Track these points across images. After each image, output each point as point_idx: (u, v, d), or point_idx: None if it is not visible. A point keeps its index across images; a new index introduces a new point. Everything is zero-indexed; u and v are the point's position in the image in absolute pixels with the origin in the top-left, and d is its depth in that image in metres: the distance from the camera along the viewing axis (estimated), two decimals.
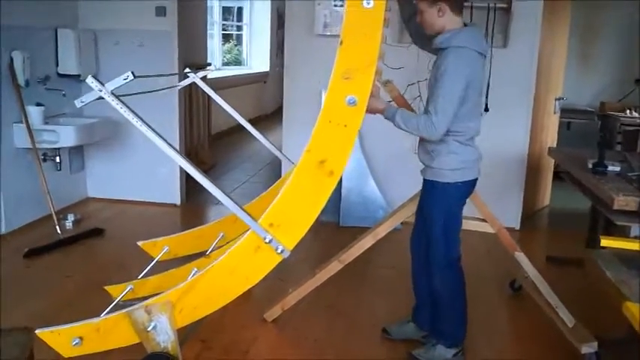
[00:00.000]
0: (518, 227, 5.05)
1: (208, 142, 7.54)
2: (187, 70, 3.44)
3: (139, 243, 3.49)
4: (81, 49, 5.00)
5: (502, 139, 4.90)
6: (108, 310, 2.56)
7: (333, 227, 4.96)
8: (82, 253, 4.27)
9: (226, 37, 11.64)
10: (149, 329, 2.34)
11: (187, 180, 5.63)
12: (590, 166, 3.35)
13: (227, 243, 3.31)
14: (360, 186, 4.99)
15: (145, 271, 3.23)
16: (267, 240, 2.30)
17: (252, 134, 3.60)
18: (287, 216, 2.33)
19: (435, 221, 2.71)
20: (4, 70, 4.36)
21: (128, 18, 5.19)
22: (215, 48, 10.64)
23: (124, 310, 2.38)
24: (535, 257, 4.42)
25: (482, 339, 3.16)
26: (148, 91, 2.95)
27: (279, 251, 2.31)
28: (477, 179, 2.74)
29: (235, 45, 12.11)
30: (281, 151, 3.87)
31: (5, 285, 3.56)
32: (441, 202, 2.68)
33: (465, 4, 4.52)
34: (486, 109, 4.78)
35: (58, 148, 4.78)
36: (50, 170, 4.82)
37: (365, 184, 4.99)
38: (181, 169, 5.45)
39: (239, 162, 7.79)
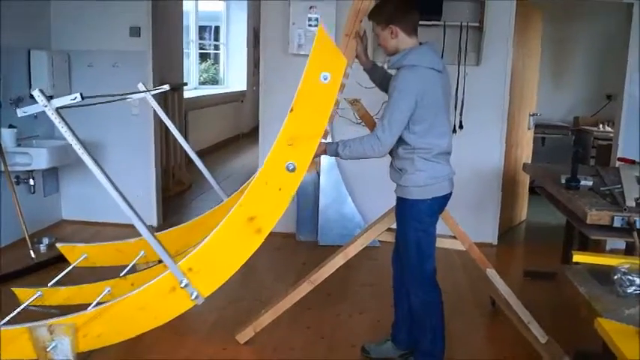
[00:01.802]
0: (495, 242, 5.08)
1: (186, 161, 7.49)
2: (140, 85, 3.41)
3: (58, 245, 3.45)
4: (54, 71, 4.95)
5: (477, 156, 4.94)
6: (12, 314, 2.58)
7: (311, 246, 4.94)
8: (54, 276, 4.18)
9: (204, 56, 11.66)
10: (49, 349, 2.33)
11: (164, 201, 5.58)
12: (563, 181, 3.38)
13: (146, 264, 3.33)
14: (337, 204, 4.99)
15: (58, 277, 3.22)
16: (183, 284, 2.29)
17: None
18: (208, 264, 2.35)
19: (407, 238, 2.72)
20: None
21: (102, 39, 5.16)
22: (192, 67, 10.63)
23: (26, 325, 2.37)
24: (512, 272, 4.48)
25: (460, 354, 3.15)
26: (99, 102, 2.91)
27: (193, 297, 2.32)
28: (449, 195, 2.75)
29: (212, 64, 12.12)
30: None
31: None
32: (411, 219, 2.69)
33: (434, 23, 4.66)
34: (461, 127, 4.82)
35: (32, 171, 4.71)
36: (24, 193, 4.76)
37: (343, 202, 4.99)
38: (157, 190, 5.43)
39: (217, 181, 7.72)
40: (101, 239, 5.08)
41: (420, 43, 2.69)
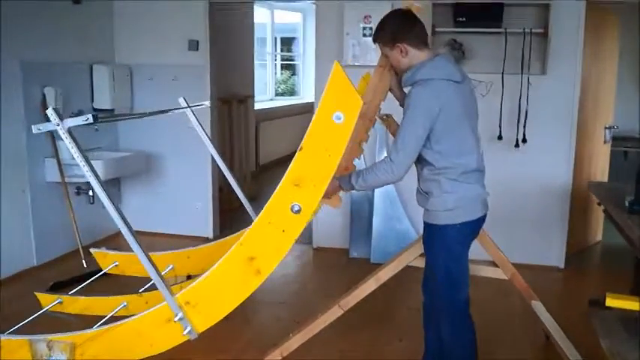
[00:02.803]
0: (562, 266, 4.69)
1: (252, 173, 7.52)
2: (181, 100, 3.38)
3: (92, 250, 3.47)
4: (115, 84, 5.09)
5: (543, 171, 4.60)
6: (30, 319, 2.67)
7: (363, 263, 4.76)
8: (102, 285, 4.25)
9: (287, 68, 11.79)
10: None
11: (221, 213, 5.59)
12: (627, 203, 3.04)
13: (174, 278, 3.31)
14: (391, 220, 4.79)
15: (85, 284, 3.29)
16: (177, 318, 2.20)
17: None
18: (205, 299, 2.25)
19: (437, 266, 2.51)
20: (36, 107, 4.46)
21: (162, 52, 5.26)
22: (268, 79, 10.73)
23: (27, 337, 2.39)
24: (577, 300, 4.10)
25: None
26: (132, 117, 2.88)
27: (186, 332, 2.23)
28: (482, 218, 2.52)
29: (291, 75, 12.20)
30: None
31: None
32: (440, 246, 2.48)
33: (499, 30, 4.38)
34: (524, 140, 4.51)
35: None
36: (83, 203, 4.89)
37: (397, 218, 4.79)
38: (214, 201, 5.45)
39: None
40: (154, 250, 5.18)
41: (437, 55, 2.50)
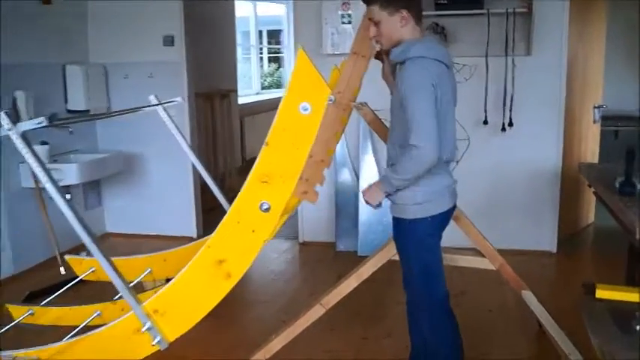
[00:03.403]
0: (554, 250, 4.59)
1: (239, 168, 7.38)
2: (152, 97, 3.24)
3: (66, 257, 3.35)
4: (89, 84, 4.94)
5: (531, 155, 4.49)
6: (2, 330, 2.54)
7: (351, 257, 4.63)
8: (80, 292, 4.12)
9: (275, 60, 11.63)
10: None
11: (204, 212, 5.46)
12: (617, 185, 2.92)
13: (153, 282, 3.25)
14: (378, 213, 4.62)
15: (57, 293, 3.19)
16: (145, 327, 2.07)
17: None
18: (174, 306, 2.11)
19: (409, 261, 2.39)
20: (7, 111, 4.30)
21: (137, 50, 5.11)
22: (253, 72, 10.57)
23: None
24: (571, 285, 3.99)
25: None
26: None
27: (155, 341, 2.10)
28: (451, 209, 2.40)
29: (277, 68, 12.03)
30: None
31: None
32: (412, 241, 2.36)
33: (481, 11, 4.25)
34: (510, 124, 4.39)
35: (69, 186, 4.69)
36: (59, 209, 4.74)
37: (384, 209, 4.62)
38: (196, 200, 5.32)
39: None
40: (144, 252, 5.04)
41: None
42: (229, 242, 2.00)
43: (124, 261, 3.42)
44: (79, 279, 3.34)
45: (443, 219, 2.36)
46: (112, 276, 2.12)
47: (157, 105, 3.20)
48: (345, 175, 4.80)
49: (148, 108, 3.26)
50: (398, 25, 2.27)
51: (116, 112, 3.09)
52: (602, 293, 1.72)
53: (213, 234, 2.02)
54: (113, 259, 3.55)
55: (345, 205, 4.80)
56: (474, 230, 2.63)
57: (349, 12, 4.49)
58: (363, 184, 4.65)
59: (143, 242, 5.26)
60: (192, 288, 2.08)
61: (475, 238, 2.63)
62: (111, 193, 5.44)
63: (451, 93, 2.30)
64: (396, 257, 2.67)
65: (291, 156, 1.90)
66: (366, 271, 2.69)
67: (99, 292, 3.29)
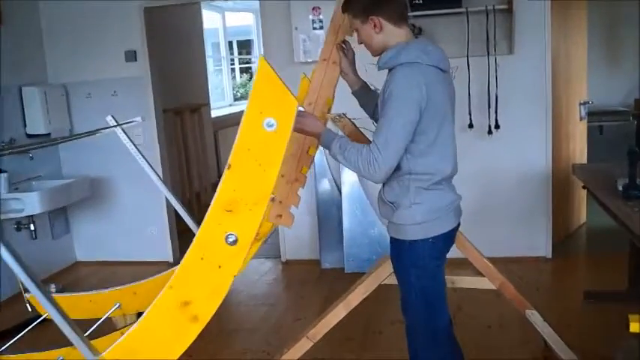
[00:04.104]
0: (549, 255, 4.38)
1: (214, 184, 7.10)
2: (109, 118, 2.97)
3: (26, 295, 3.06)
4: (49, 106, 4.64)
5: (520, 158, 4.30)
6: None
7: (337, 274, 4.41)
8: (46, 332, 3.82)
9: (246, 71, 11.39)
10: None
11: (180, 236, 5.17)
12: (620, 188, 2.73)
13: (123, 317, 3.00)
14: (363, 225, 4.43)
15: (23, 333, 2.93)
16: None
17: None
18: (136, 355, 1.80)
19: (409, 286, 2.13)
20: None
21: (99, 67, 4.83)
22: (225, 84, 10.32)
23: None
24: (571, 292, 3.80)
25: None
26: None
27: None
28: (455, 228, 2.16)
29: (250, 78, 11.79)
30: None
31: None
32: (411, 265, 2.10)
33: (459, 9, 4.04)
34: (497, 126, 4.19)
35: (31, 216, 4.38)
36: (25, 239, 4.44)
37: (369, 223, 4.42)
38: (170, 223, 5.03)
39: None
40: (117, 280, 4.69)
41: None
42: (194, 281, 1.72)
43: (90, 296, 3.18)
44: (42, 318, 3.05)
45: (446, 240, 2.12)
46: (59, 323, 1.82)
47: (115, 126, 2.91)
48: (326, 186, 4.56)
49: (106, 130, 2.98)
50: (372, 32, 2.06)
51: (72, 136, 2.83)
52: (637, 327, 1.47)
53: (175, 272, 1.75)
54: (78, 294, 3.32)
55: (327, 219, 4.56)
56: (469, 247, 2.41)
57: (320, 17, 4.26)
58: (346, 194, 4.42)
59: (116, 270, 4.97)
60: (156, 334, 1.79)
61: (472, 255, 2.40)
62: (79, 220, 5.13)
63: (449, 101, 2.06)
64: (387, 281, 2.44)
65: (258, 179, 1.62)
66: (355, 298, 2.45)
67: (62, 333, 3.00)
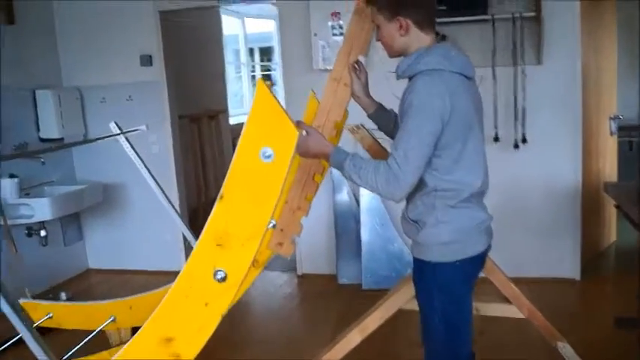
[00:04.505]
0: (578, 277, 4.17)
1: None
2: (112, 125, 2.86)
3: (20, 301, 2.96)
4: (63, 110, 4.55)
5: (548, 173, 4.11)
6: None
7: (354, 291, 4.24)
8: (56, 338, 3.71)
9: (268, 78, 11.34)
10: None
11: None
12: None
13: (117, 330, 2.94)
14: (382, 239, 4.25)
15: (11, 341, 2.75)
16: None
17: None
18: None
19: (430, 312, 1.96)
20: None
21: (114, 71, 4.74)
22: (245, 91, 10.24)
23: None
24: (601, 319, 3.58)
25: None
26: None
27: None
28: (486, 251, 1.99)
29: (271, 85, 11.73)
30: None
31: None
32: (435, 289, 1.93)
33: (485, 16, 3.87)
34: (524, 140, 4.00)
35: (42, 222, 4.28)
36: (35, 246, 4.34)
37: (389, 238, 4.25)
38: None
39: None
40: (129, 289, 4.60)
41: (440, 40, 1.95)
42: (178, 317, 1.56)
43: (85, 307, 3.09)
44: (34, 326, 2.94)
45: (475, 263, 1.95)
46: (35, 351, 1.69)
47: (118, 134, 2.80)
48: (344, 198, 4.40)
49: (109, 138, 2.86)
50: (396, 34, 1.90)
51: (72, 143, 2.73)
52: None
53: (160, 305, 1.59)
54: (75, 304, 3.21)
55: (345, 232, 4.40)
56: (497, 271, 2.24)
57: (340, 22, 4.12)
58: (364, 207, 4.26)
59: (128, 278, 4.87)
60: None
61: (499, 280, 2.23)
62: (92, 227, 5.05)
63: (475, 111, 1.89)
64: (407, 306, 2.28)
65: (252, 213, 1.46)
66: (371, 323, 2.29)
67: (61, 342, 2.87)
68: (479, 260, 1.96)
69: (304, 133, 1.81)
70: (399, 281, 2.42)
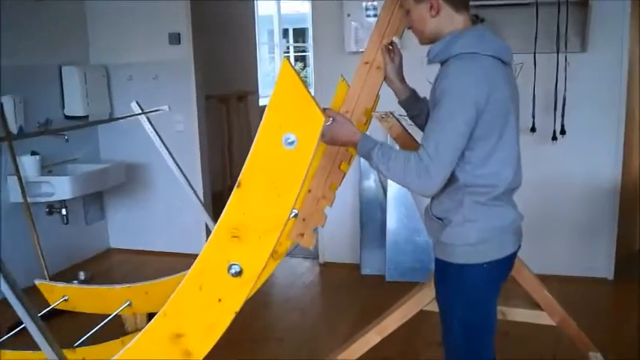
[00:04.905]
0: (611, 277, 3.98)
1: None
2: (133, 104, 2.76)
3: (36, 282, 2.91)
4: (88, 87, 4.49)
5: (586, 168, 3.91)
6: None
7: (377, 282, 4.12)
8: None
9: (302, 59, 11.25)
10: None
11: None
12: None
13: (133, 315, 2.84)
14: (408, 230, 4.11)
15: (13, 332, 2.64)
16: None
17: None
18: None
19: (451, 315, 1.83)
20: None
21: (141, 49, 4.65)
22: (277, 72, 10.13)
23: None
24: (634, 319, 3.40)
25: None
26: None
27: None
28: (515, 252, 1.83)
29: (304, 67, 11.60)
30: None
31: None
32: (459, 292, 1.79)
33: (523, 1, 3.67)
34: (562, 132, 3.80)
35: (63, 200, 4.24)
36: (57, 224, 4.31)
37: (415, 229, 4.11)
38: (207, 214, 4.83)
39: None
40: (148, 270, 4.59)
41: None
42: (189, 312, 1.44)
43: (100, 289, 3.02)
44: (49, 308, 2.91)
45: (503, 266, 1.80)
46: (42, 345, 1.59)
47: (139, 114, 2.69)
48: (370, 186, 4.26)
49: (131, 117, 2.76)
50: (427, 15, 1.75)
51: (93, 121, 2.65)
52: None
53: (170, 298, 1.49)
54: (91, 287, 3.15)
55: (370, 221, 4.27)
56: (528, 274, 2.09)
57: (375, 3, 3.95)
58: (391, 196, 4.12)
59: (148, 259, 4.82)
60: None
61: (530, 284, 2.08)
62: (114, 206, 5.00)
63: (510, 99, 1.72)
64: (429, 308, 2.14)
65: (272, 204, 1.32)
66: (390, 324, 2.17)
67: (74, 326, 2.82)
68: (508, 262, 1.81)
69: (330, 120, 1.69)
70: (420, 283, 2.27)
